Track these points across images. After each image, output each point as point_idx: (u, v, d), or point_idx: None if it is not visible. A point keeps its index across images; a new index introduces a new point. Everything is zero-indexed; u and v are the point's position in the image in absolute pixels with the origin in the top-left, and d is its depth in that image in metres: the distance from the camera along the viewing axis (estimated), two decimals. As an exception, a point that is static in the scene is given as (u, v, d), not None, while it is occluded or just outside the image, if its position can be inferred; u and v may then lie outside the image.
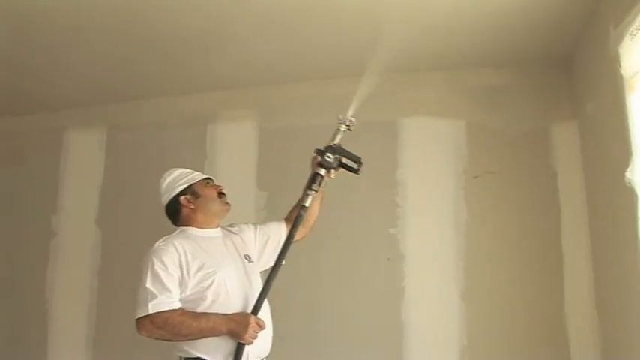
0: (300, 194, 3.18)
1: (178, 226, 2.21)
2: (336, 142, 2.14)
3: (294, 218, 2.13)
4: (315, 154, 2.17)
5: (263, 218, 3.16)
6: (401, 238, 3.02)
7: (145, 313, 1.92)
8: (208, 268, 2.04)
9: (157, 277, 1.96)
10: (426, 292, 2.93)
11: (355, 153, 2.17)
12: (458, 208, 2.97)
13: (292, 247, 3.18)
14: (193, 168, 3.31)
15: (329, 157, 2.11)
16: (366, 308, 2.97)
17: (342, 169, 2.17)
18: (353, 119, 2.16)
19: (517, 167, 2.93)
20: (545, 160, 2.90)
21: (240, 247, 2.23)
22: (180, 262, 2.01)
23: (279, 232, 2.32)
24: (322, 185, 2.16)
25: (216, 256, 2.10)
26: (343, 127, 2.15)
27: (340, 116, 2.14)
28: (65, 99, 3.49)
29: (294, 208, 2.31)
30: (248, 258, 2.22)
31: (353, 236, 3.08)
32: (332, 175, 2.17)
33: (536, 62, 2.97)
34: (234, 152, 3.35)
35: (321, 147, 2.14)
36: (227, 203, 2.27)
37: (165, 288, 1.95)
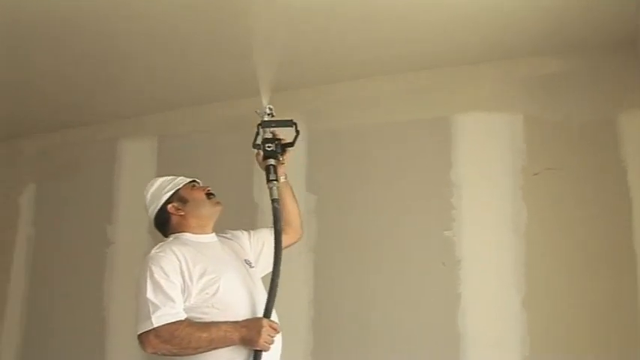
0: (351, 196, 3.15)
1: (169, 235, 2.10)
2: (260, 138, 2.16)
3: (272, 212, 2.03)
4: (255, 152, 2.16)
5: (313, 222, 3.09)
6: (456, 241, 2.85)
7: (149, 328, 1.79)
8: (211, 274, 1.92)
9: (158, 287, 1.83)
10: (483, 298, 2.75)
11: (282, 118, 2.18)
12: (517, 208, 2.77)
13: (340, 251, 3.12)
14: (243, 173, 3.34)
15: (269, 146, 2.12)
16: (421, 316, 2.82)
17: (289, 149, 2.16)
18: (271, 107, 2.19)
19: (581, 162, 2.70)
20: (613, 153, 2.65)
21: (240, 253, 2.15)
22: (181, 269, 1.89)
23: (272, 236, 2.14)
24: (280, 174, 2.14)
25: (217, 262, 2.00)
26: (266, 118, 2.16)
27: (258, 111, 2.18)
28: (115, 110, 3.53)
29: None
30: (249, 263, 2.13)
31: (405, 240, 2.94)
32: (282, 159, 2.15)
33: (598, 45, 2.71)
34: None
35: (255, 141, 2.15)
36: (218, 203, 2.16)
37: (168, 298, 1.82)
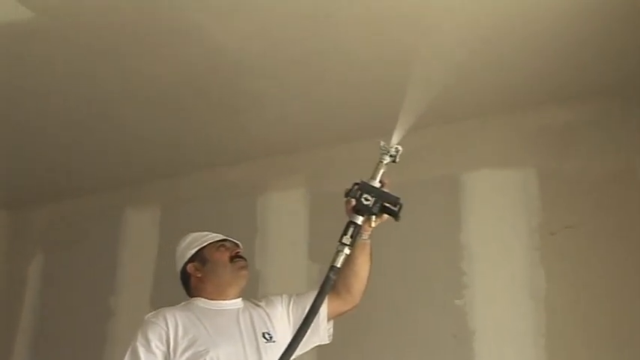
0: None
1: (190, 298, 1.97)
2: (378, 178, 1.66)
3: (322, 283, 1.52)
4: (347, 197, 1.66)
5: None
6: (468, 310, 2.57)
7: None
8: (200, 347, 1.76)
9: (135, 354, 1.75)
10: (499, 375, 2.43)
11: (394, 193, 1.67)
12: (534, 272, 2.49)
13: (344, 322, 2.86)
14: (245, 241, 3.19)
15: (367, 199, 1.63)
16: (430, 395, 2.51)
17: (385, 215, 1.67)
18: (399, 147, 1.66)
19: (603, 218, 2.42)
20: (636, 205, 2.37)
21: (259, 324, 1.90)
22: (167, 338, 1.77)
23: None
24: (360, 237, 1.76)
25: (216, 333, 1.82)
26: (387, 159, 1.66)
27: (383, 143, 1.66)
28: (120, 177, 3.53)
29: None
30: (268, 337, 1.87)
31: (412, 311, 2.69)
32: (373, 224, 1.73)
33: (612, 91, 2.48)
34: (284, 221, 3.13)
35: (355, 188, 1.65)
36: (242, 267, 1.97)
37: None
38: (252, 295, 2.27)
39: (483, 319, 2.54)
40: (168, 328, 1.78)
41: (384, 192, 1.65)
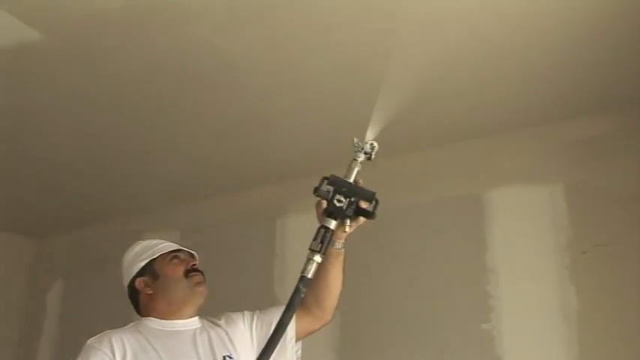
0: (375, 289, 2.82)
1: (140, 317, 1.76)
2: (352, 179, 1.47)
3: (291, 295, 1.36)
4: (316, 194, 1.45)
5: (336, 319, 2.76)
6: (496, 335, 2.43)
7: None
8: None
9: None
10: (531, 404, 2.28)
11: (369, 188, 1.47)
12: (564, 293, 2.34)
13: (367, 351, 2.72)
14: (264, 265, 3.12)
15: (340, 200, 1.42)
16: None
17: (362, 218, 1.47)
18: (374, 143, 1.48)
19: (636, 235, 2.26)
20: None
21: (219, 346, 1.68)
22: None
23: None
24: (333, 246, 1.56)
25: (170, 358, 1.61)
26: (361, 156, 1.47)
27: (356, 140, 1.48)
28: (139, 203, 3.52)
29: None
30: (228, 359, 1.66)
31: (437, 337, 2.56)
32: (347, 229, 1.47)
33: (643, 100, 2.36)
34: (304, 244, 3.03)
35: (325, 184, 1.44)
36: (199, 283, 1.73)
37: None
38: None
39: (512, 344, 2.40)
40: (114, 355, 1.57)
41: (357, 187, 1.47)
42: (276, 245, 3.13)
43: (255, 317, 1.77)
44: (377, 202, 1.45)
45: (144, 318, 1.73)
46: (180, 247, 1.81)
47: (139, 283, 1.74)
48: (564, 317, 2.31)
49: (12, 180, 3.22)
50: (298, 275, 3.08)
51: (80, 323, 3.64)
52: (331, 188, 1.44)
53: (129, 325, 1.71)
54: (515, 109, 2.48)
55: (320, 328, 1.79)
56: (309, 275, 1.38)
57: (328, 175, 1.45)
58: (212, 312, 1.80)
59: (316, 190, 1.44)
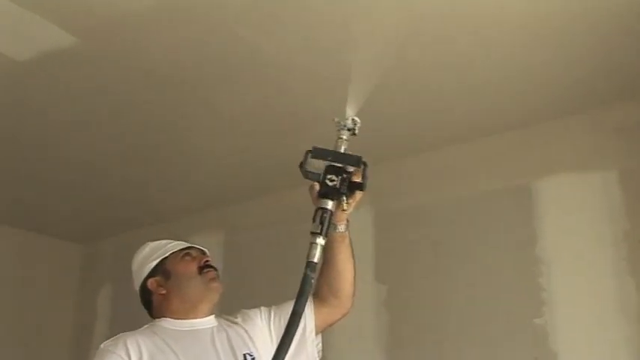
0: (425, 283, 2.76)
1: (154, 319, 1.72)
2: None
3: (300, 283, 1.26)
4: (311, 182, 1.40)
5: (384, 315, 2.72)
6: (550, 330, 2.33)
7: None
8: None
9: None
10: (588, 403, 2.18)
11: (352, 153, 1.40)
12: (622, 285, 2.23)
13: (415, 347, 2.66)
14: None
15: (332, 179, 1.36)
16: None
17: (358, 193, 1.42)
18: (356, 118, 1.42)
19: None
20: None
21: (239, 344, 1.63)
22: None
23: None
24: (335, 229, 1.53)
25: (192, 358, 1.57)
26: (345, 134, 1.42)
27: (337, 119, 1.43)
28: (183, 206, 3.53)
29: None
30: (250, 358, 1.61)
31: (488, 332, 2.47)
32: (345, 207, 1.41)
33: None
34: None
35: (309, 157, 1.39)
36: (213, 279, 1.69)
37: None
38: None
39: (567, 339, 2.29)
40: (129, 358, 1.52)
41: (342, 154, 1.40)
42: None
43: (272, 312, 1.73)
44: (365, 165, 1.39)
45: (158, 319, 1.70)
46: (192, 245, 1.79)
47: (152, 283, 1.72)
48: (623, 312, 2.20)
49: (62, 189, 3.32)
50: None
51: (130, 325, 3.69)
52: (320, 162, 1.39)
53: (143, 327, 1.69)
54: (565, 93, 2.38)
55: (340, 318, 1.73)
56: (315, 260, 1.29)
57: (311, 148, 1.40)
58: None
59: (302, 166, 1.39)
